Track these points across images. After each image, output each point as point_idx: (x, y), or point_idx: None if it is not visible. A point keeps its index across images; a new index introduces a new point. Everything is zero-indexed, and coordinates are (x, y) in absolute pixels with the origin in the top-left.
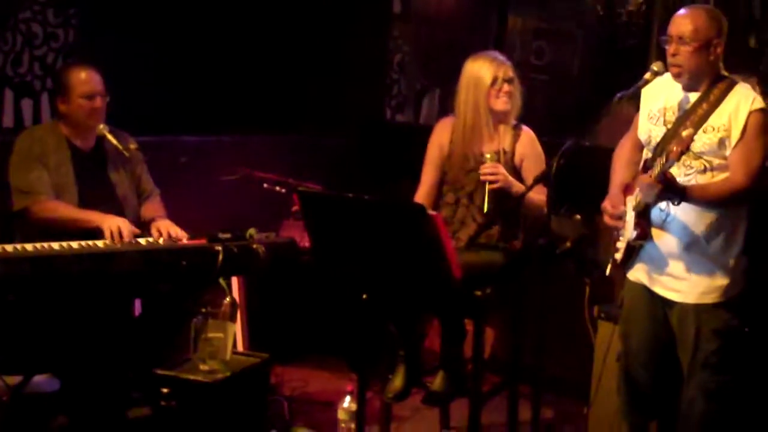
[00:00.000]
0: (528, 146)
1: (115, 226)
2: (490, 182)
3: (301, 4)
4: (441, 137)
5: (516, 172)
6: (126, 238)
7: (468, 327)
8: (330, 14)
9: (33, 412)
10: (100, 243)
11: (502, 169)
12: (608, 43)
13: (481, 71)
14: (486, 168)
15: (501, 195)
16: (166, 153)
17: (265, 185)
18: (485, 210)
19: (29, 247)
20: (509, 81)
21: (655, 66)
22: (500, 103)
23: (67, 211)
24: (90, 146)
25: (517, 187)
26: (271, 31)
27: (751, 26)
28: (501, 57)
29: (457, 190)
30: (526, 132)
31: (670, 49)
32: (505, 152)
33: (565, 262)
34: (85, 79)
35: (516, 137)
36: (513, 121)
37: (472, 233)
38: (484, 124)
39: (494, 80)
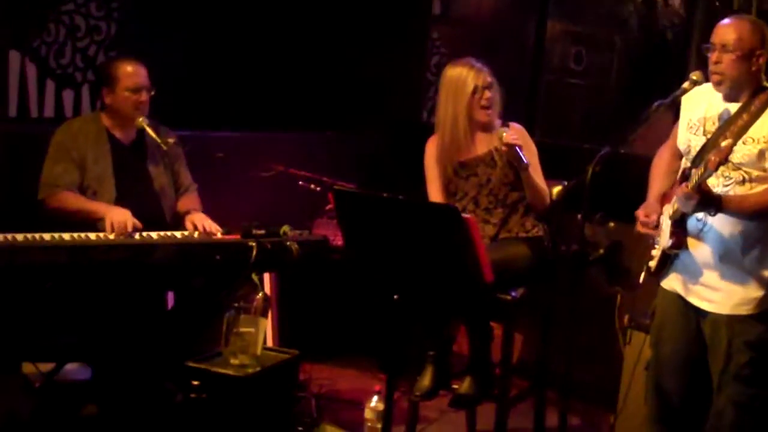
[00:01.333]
0: (520, 140)
1: (117, 219)
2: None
3: (343, 3)
4: (432, 154)
5: (512, 167)
6: (127, 231)
7: (497, 331)
8: (370, 13)
9: (64, 399)
10: (92, 235)
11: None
12: (647, 51)
13: (460, 82)
14: (508, 136)
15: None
16: (202, 147)
17: (300, 183)
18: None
19: (66, 236)
20: (488, 87)
21: (695, 75)
22: (483, 114)
23: (77, 202)
24: (130, 139)
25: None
26: (311, 29)
27: None
28: (478, 64)
29: (460, 199)
30: (515, 128)
31: (712, 57)
32: (497, 150)
33: (597, 270)
34: (132, 72)
35: None
36: (498, 123)
37: (492, 234)
38: (462, 136)
39: (474, 90)
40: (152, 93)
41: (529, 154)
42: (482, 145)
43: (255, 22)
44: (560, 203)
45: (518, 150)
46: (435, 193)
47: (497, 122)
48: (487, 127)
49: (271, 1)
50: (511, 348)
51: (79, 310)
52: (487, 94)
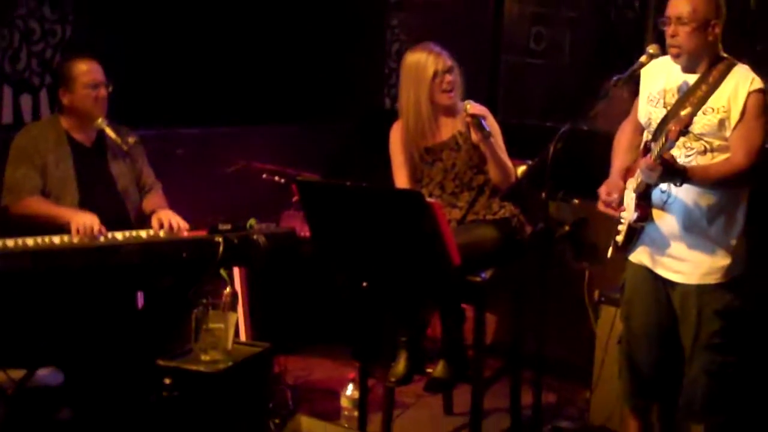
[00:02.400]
0: (484, 111)
1: (81, 222)
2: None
3: None
4: (396, 140)
5: (476, 150)
6: (92, 235)
7: (469, 313)
8: (328, 4)
9: (37, 405)
10: (56, 239)
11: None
12: (605, 27)
13: (419, 67)
14: (472, 107)
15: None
16: (163, 145)
17: (264, 176)
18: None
19: (30, 241)
20: (449, 71)
21: (651, 49)
22: (445, 98)
23: (41, 207)
24: (91, 140)
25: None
26: (267, 22)
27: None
28: (436, 48)
29: (426, 184)
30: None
31: (668, 30)
32: (461, 133)
33: (564, 246)
34: (87, 69)
35: None
36: (461, 105)
37: (459, 217)
38: (426, 122)
39: (434, 74)
40: (110, 89)
41: (497, 136)
42: (446, 129)
43: (212, 17)
44: (525, 182)
45: (481, 120)
46: (401, 180)
47: (460, 105)
48: (450, 111)
49: None
50: (483, 329)
51: (47, 314)
52: (448, 77)
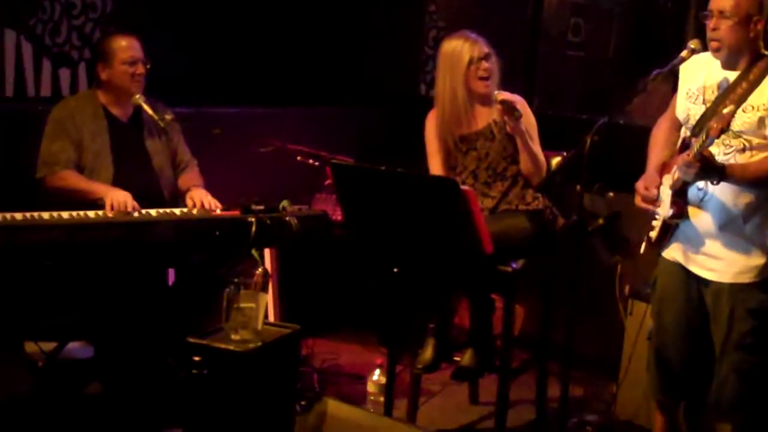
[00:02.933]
0: (515, 99)
1: (116, 199)
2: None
3: None
4: (432, 128)
5: (510, 140)
6: (127, 210)
7: (498, 303)
8: None
9: (67, 378)
10: (91, 213)
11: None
12: (646, 20)
13: (455, 54)
14: (501, 93)
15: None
16: (199, 124)
17: (298, 158)
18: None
19: (65, 214)
20: (485, 58)
21: (692, 44)
22: (481, 86)
23: (76, 181)
24: (128, 116)
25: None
26: (308, 4)
27: None
28: (473, 35)
29: (460, 173)
30: (516, 98)
31: (710, 23)
32: (496, 123)
33: (597, 240)
34: (126, 45)
35: None
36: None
37: (491, 206)
38: (462, 110)
39: (470, 61)
40: (148, 66)
41: (529, 126)
42: (482, 118)
43: None
44: (559, 174)
45: (512, 104)
46: (436, 167)
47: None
48: (485, 100)
49: None
50: (512, 319)
51: (79, 288)
52: (484, 64)
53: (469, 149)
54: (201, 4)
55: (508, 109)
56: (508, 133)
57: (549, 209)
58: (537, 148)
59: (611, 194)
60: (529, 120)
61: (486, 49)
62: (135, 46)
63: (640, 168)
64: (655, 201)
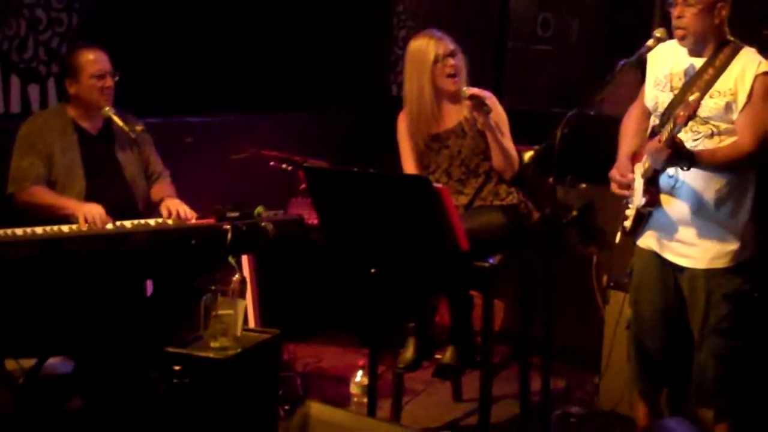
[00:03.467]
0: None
1: (88, 212)
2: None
3: None
4: (403, 129)
5: (482, 137)
6: (99, 226)
7: (477, 300)
8: None
9: (48, 394)
10: (65, 228)
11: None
12: (612, 13)
13: (421, 53)
14: (470, 91)
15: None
16: (171, 134)
17: (271, 163)
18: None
19: (38, 229)
20: (451, 55)
21: (658, 32)
22: (448, 83)
23: (47, 197)
24: (97, 128)
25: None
26: (274, 8)
27: None
28: (438, 33)
29: (433, 171)
30: (485, 94)
31: (675, 11)
32: (467, 120)
33: (571, 232)
34: (94, 59)
35: None
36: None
37: (465, 203)
38: (430, 108)
39: (436, 59)
40: (116, 78)
41: (500, 122)
42: (451, 116)
43: (217, 5)
44: (532, 168)
45: (481, 99)
46: (409, 167)
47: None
48: (454, 97)
49: None
50: (491, 315)
51: (57, 303)
52: (450, 61)
53: (441, 147)
54: (167, 14)
55: (477, 104)
56: (479, 130)
57: (523, 203)
58: (508, 143)
59: (584, 185)
60: (499, 115)
61: (451, 46)
62: (102, 59)
63: (611, 158)
64: (630, 187)
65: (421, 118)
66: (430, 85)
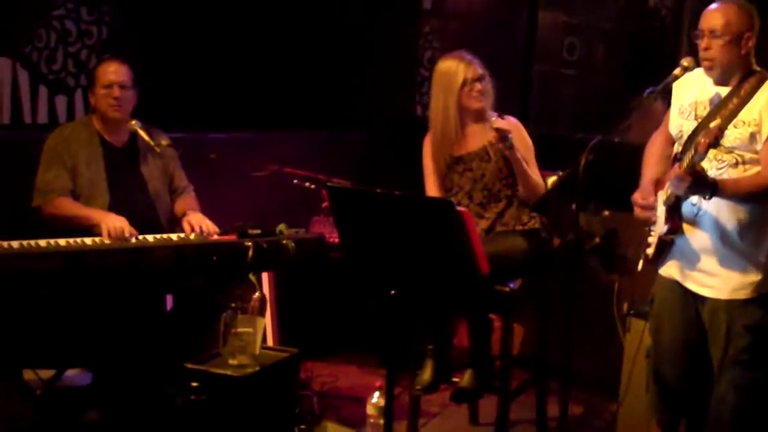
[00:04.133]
0: (515, 135)
1: (112, 225)
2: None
3: (333, 1)
4: (428, 151)
5: (506, 162)
6: (124, 236)
7: (496, 323)
8: (360, 9)
9: (65, 405)
10: (88, 240)
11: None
12: (640, 39)
13: (450, 74)
14: (497, 121)
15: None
16: (196, 149)
17: (294, 181)
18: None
19: (62, 241)
20: (479, 79)
21: (685, 61)
22: (474, 102)
23: (72, 208)
24: (123, 142)
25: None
26: (302, 27)
27: None
28: (468, 56)
29: (455, 193)
30: (511, 121)
31: (702, 43)
32: (491, 144)
33: (594, 258)
34: (107, 69)
35: None
36: (492, 114)
37: (486, 227)
38: (454, 130)
39: (464, 82)
40: (131, 92)
41: (526, 150)
42: (476, 139)
43: (246, 21)
44: (555, 193)
45: (505, 134)
46: (432, 188)
47: (490, 114)
48: (479, 119)
49: (262, 1)
50: (510, 339)
51: (77, 315)
52: (478, 86)
53: (464, 170)
54: (196, 30)
55: (501, 137)
56: (503, 155)
57: (545, 229)
58: (534, 172)
59: (607, 212)
60: (526, 144)
61: (480, 71)
62: (115, 70)
63: (634, 185)
64: (654, 210)
65: (444, 139)
66: (456, 107)
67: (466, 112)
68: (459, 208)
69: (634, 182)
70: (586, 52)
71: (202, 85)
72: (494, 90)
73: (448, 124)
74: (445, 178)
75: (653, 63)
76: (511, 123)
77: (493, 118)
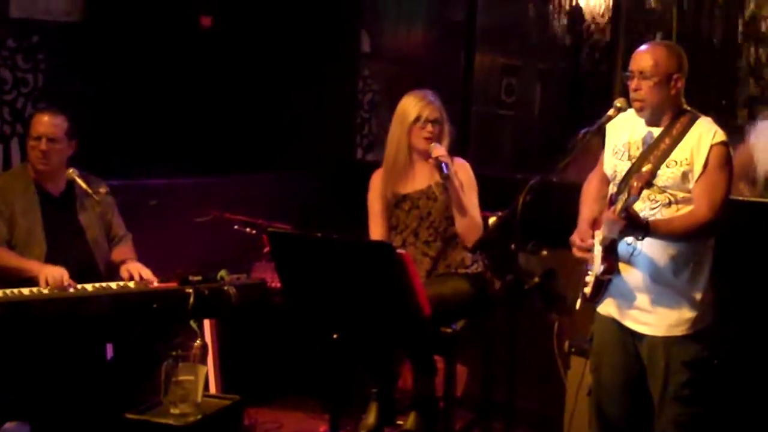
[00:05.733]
0: (461, 174)
1: (50, 274)
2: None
3: (271, 45)
4: (376, 188)
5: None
6: (62, 286)
7: (440, 365)
8: (300, 54)
9: None
10: (25, 291)
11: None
12: (575, 80)
13: (407, 109)
14: (435, 150)
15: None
16: (135, 196)
17: (235, 227)
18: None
19: None
20: (434, 122)
21: (618, 102)
22: (421, 141)
23: (8, 259)
24: (60, 190)
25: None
26: (239, 71)
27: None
28: (431, 97)
29: (401, 231)
30: (459, 163)
31: (632, 84)
32: (438, 184)
33: (533, 298)
34: (38, 121)
35: None
36: (435, 144)
37: (429, 267)
38: (402, 164)
39: (417, 118)
40: (59, 143)
41: (470, 190)
42: (423, 178)
43: (185, 68)
44: (496, 234)
45: (442, 163)
46: (377, 229)
47: (434, 144)
48: (427, 157)
49: (196, 47)
50: (453, 381)
51: (16, 366)
52: (430, 127)
53: (411, 208)
54: (135, 76)
55: (436, 165)
56: (448, 196)
57: (488, 271)
58: (475, 212)
59: (545, 252)
60: (471, 184)
61: (436, 114)
62: (48, 122)
63: (573, 224)
64: (592, 250)
65: (393, 172)
66: (406, 142)
67: (414, 149)
68: (399, 251)
69: (572, 221)
70: (524, 92)
71: (142, 131)
72: (450, 138)
73: (398, 156)
74: (391, 217)
75: (589, 103)
76: (458, 163)
77: (432, 144)
